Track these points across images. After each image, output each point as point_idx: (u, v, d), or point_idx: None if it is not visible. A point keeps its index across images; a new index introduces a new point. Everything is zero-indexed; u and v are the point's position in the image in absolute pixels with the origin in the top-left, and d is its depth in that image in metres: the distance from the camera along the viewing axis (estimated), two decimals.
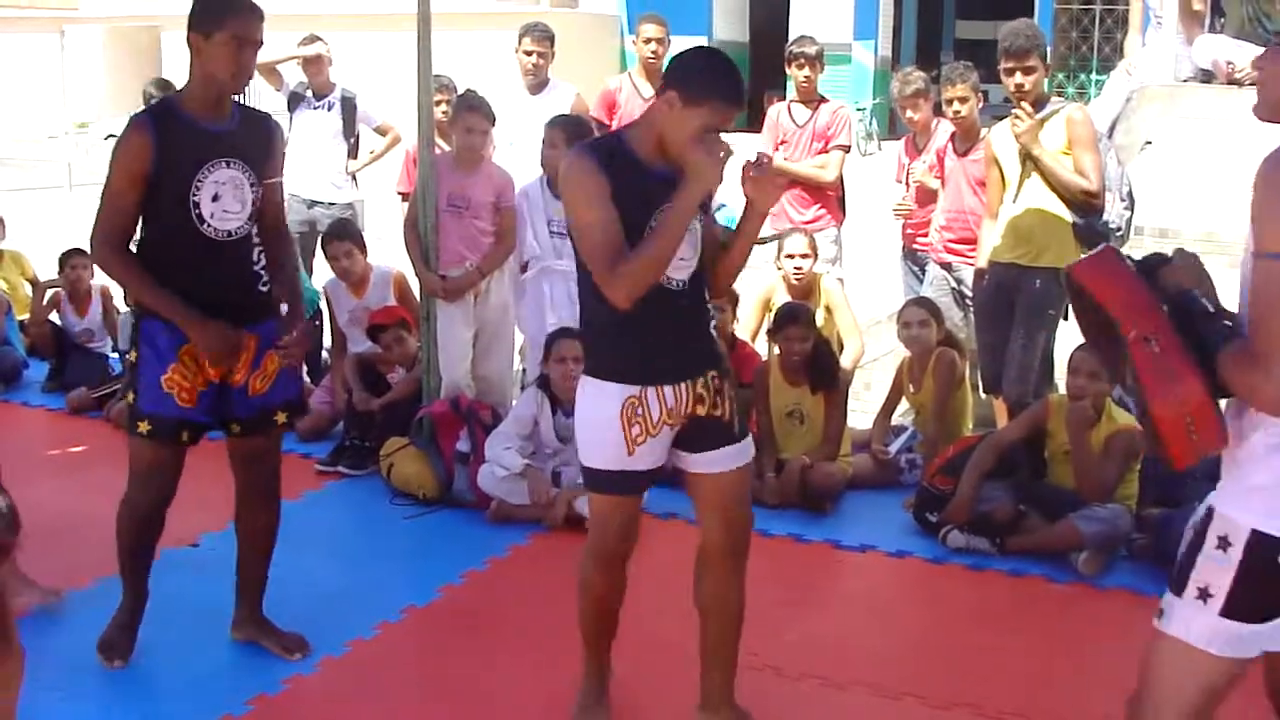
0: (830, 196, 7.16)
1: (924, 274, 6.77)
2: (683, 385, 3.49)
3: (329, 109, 8.21)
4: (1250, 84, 8.31)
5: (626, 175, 3.35)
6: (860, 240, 8.41)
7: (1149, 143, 8.71)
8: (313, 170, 8.21)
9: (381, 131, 8.47)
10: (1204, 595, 2.52)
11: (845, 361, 6.44)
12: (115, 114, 23.50)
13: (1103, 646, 4.37)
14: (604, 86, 7.61)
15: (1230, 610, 2.49)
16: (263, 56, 4.20)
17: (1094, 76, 17.63)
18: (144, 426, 3.96)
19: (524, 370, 6.80)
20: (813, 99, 7.24)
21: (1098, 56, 20.45)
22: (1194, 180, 8.10)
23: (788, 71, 7.24)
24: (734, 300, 6.37)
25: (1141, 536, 5.13)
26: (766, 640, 4.43)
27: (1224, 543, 2.49)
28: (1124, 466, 5.12)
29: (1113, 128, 8.59)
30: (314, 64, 8.06)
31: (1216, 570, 2.50)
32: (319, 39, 8.22)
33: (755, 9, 25.54)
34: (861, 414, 6.70)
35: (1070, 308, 2.76)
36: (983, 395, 6.35)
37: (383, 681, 4.12)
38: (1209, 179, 8.04)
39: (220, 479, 5.12)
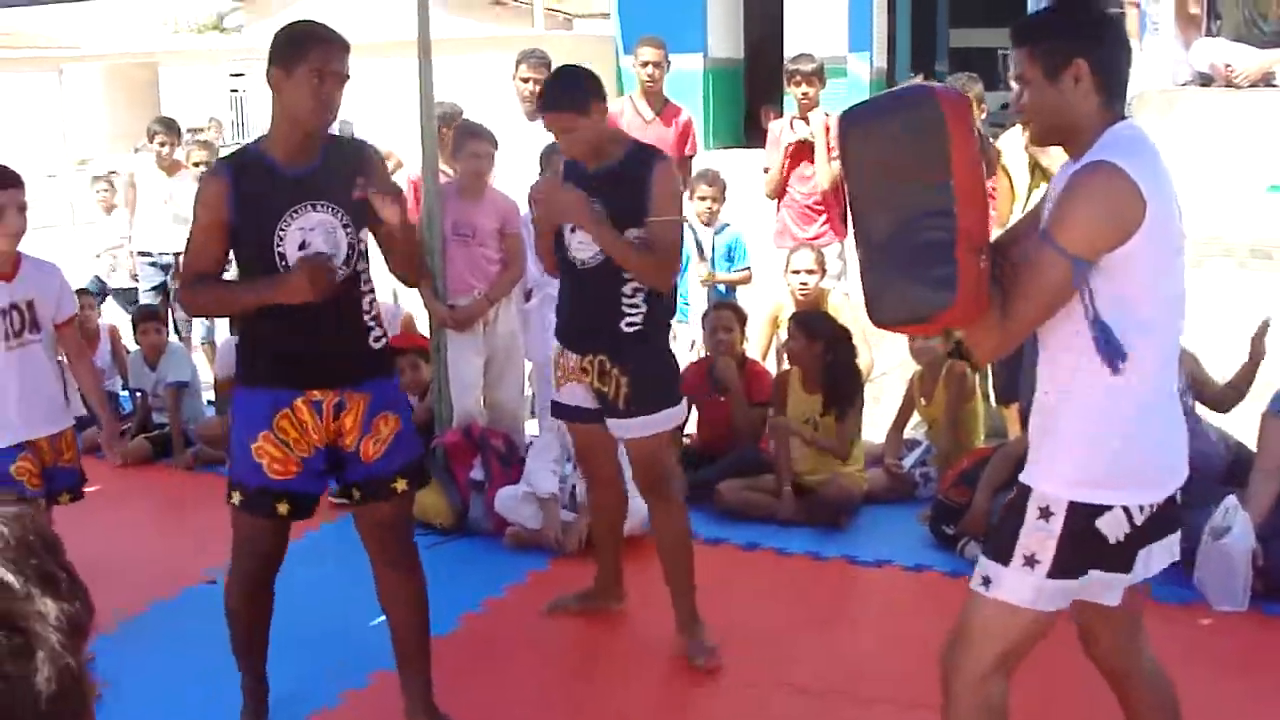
0: (834, 211, 7.17)
1: None
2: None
3: None
4: (1249, 86, 8.34)
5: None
6: None
7: None
8: None
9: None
10: (1030, 562, 2.76)
11: None
12: (114, 151, 23.61)
13: None
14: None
15: (1056, 571, 2.75)
16: None
17: None
18: (236, 497, 3.72)
19: (534, 396, 6.80)
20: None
21: None
22: (1195, 183, 8.12)
23: (787, 89, 7.27)
24: (742, 319, 6.38)
25: None
26: (788, 658, 4.44)
27: (1045, 513, 2.75)
28: None
29: None
30: None
31: (1041, 539, 2.75)
32: None
33: (750, 26, 25.60)
34: (873, 428, 6.70)
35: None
36: (995, 405, 6.35)
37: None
38: (1209, 182, 8.05)
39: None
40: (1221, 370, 5.89)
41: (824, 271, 6.60)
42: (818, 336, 5.95)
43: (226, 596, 3.84)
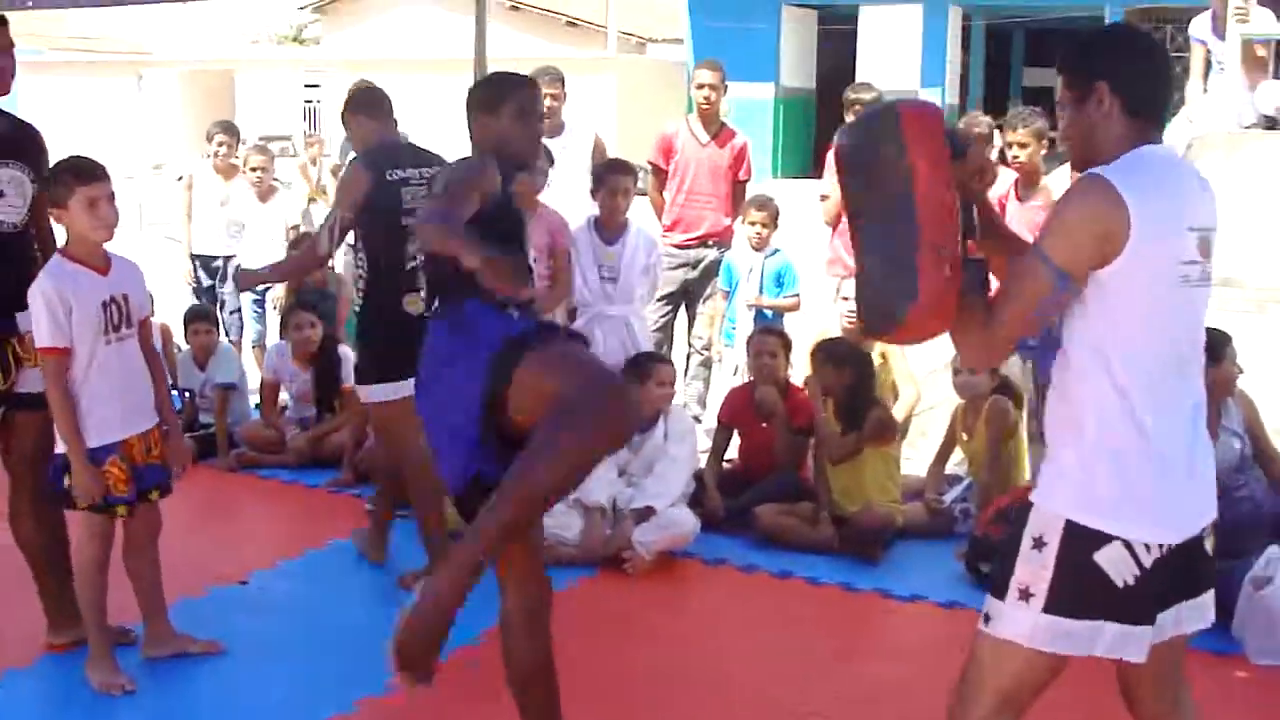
0: None
1: None
2: None
3: None
4: None
5: None
6: None
7: None
8: None
9: None
10: (1025, 595, 2.68)
11: (900, 409, 6.39)
12: (190, 156, 23.96)
13: None
14: (661, 131, 7.67)
15: (1052, 606, 2.66)
16: None
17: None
18: None
19: None
20: None
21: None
22: (1258, 228, 7.98)
23: (847, 118, 7.24)
24: (787, 345, 6.34)
25: None
26: (815, 689, 4.39)
27: (1039, 543, 2.68)
28: None
29: None
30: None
31: (1035, 570, 2.68)
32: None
33: (822, 57, 25.60)
34: (917, 462, 6.64)
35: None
36: (1036, 444, 6.26)
37: None
38: (1272, 226, 7.92)
39: (270, 517, 5.17)
40: (1277, 417, 5.78)
41: None
42: (845, 363, 5.94)
43: None
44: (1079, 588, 2.65)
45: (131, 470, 4.12)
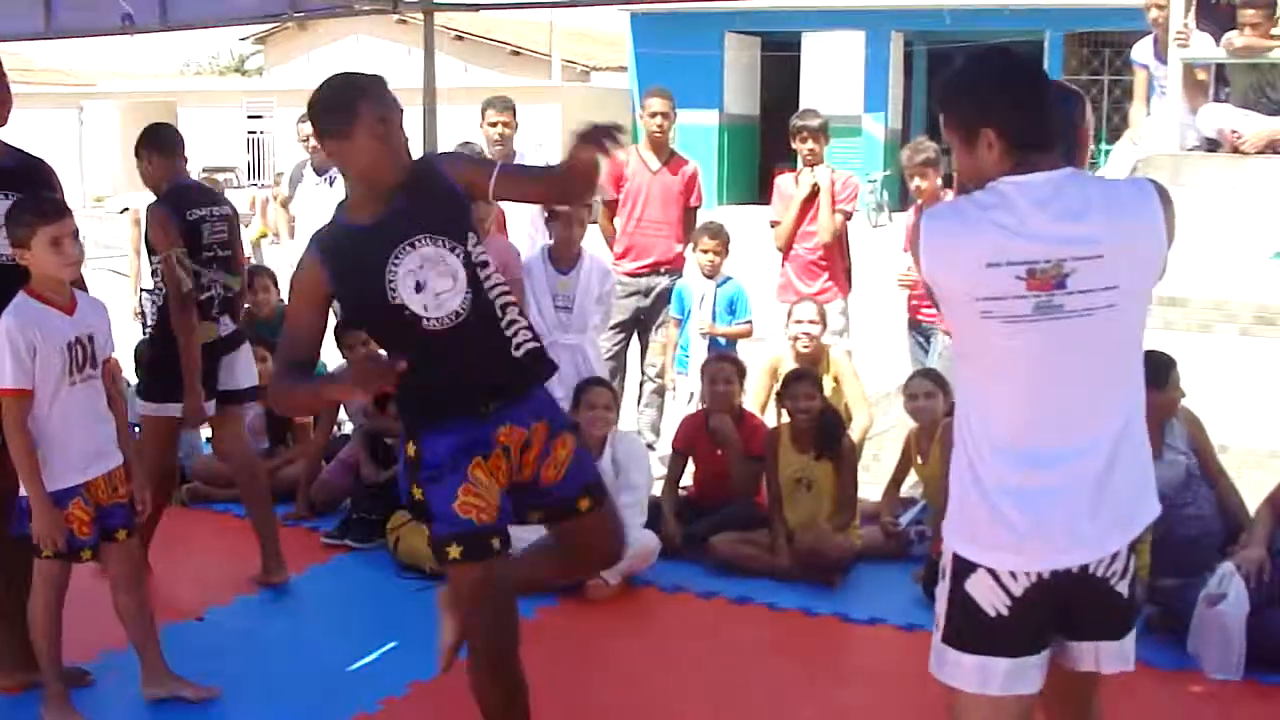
0: (838, 267, 7.17)
1: (930, 345, 6.76)
2: None
3: (330, 183, 8.27)
4: (1256, 153, 8.34)
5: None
6: (868, 312, 8.42)
7: None
8: None
9: None
10: (937, 624, 2.76)
11: (854, 433, 6.40)
12: (131, 188, 23.77)
13: (1116, 717, 4.30)
14: (611, 159, 7.66)
15: (947, 635, 2.72)
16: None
17: (1104, 146, 17.71)
18: (455, 551, 3.37)
19: None
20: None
21: (1107, 126, 20.52)
22: (1200, 248, 8.10)
23: (793, 145, 7.29)
24: (741, 371, 6.36)
25: (1155, 608, 5.07)
26: (776, 715, 4.39)
27: (944, 572, 2.75)
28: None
29: None
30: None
31: (942, 598, 2.75)
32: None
33: (766, 84, 25.76)
34: (871, 485, 6.66)
35: None
36: None
37: None
38: (1215, 247, 8.04)
39: (224, 552, 5.09)
40: (1222, 435, 5.86)
41: (825, 326, 6.58)
42: (820, 391, 5.96)
43: (476, 690, 3.49)
44: (960, 618, 2.71)
45: (97, 511, 4.07)
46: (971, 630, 2.69)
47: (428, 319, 3.33)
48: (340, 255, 3.38)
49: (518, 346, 3.47)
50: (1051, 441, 2.66)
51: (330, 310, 3.50)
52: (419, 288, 3.32)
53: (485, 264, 3.45)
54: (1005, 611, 2.66)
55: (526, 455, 3.49)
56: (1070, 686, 2.86)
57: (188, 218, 5.26)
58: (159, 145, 5.42)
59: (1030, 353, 2.64)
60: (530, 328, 3.56)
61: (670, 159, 7.46)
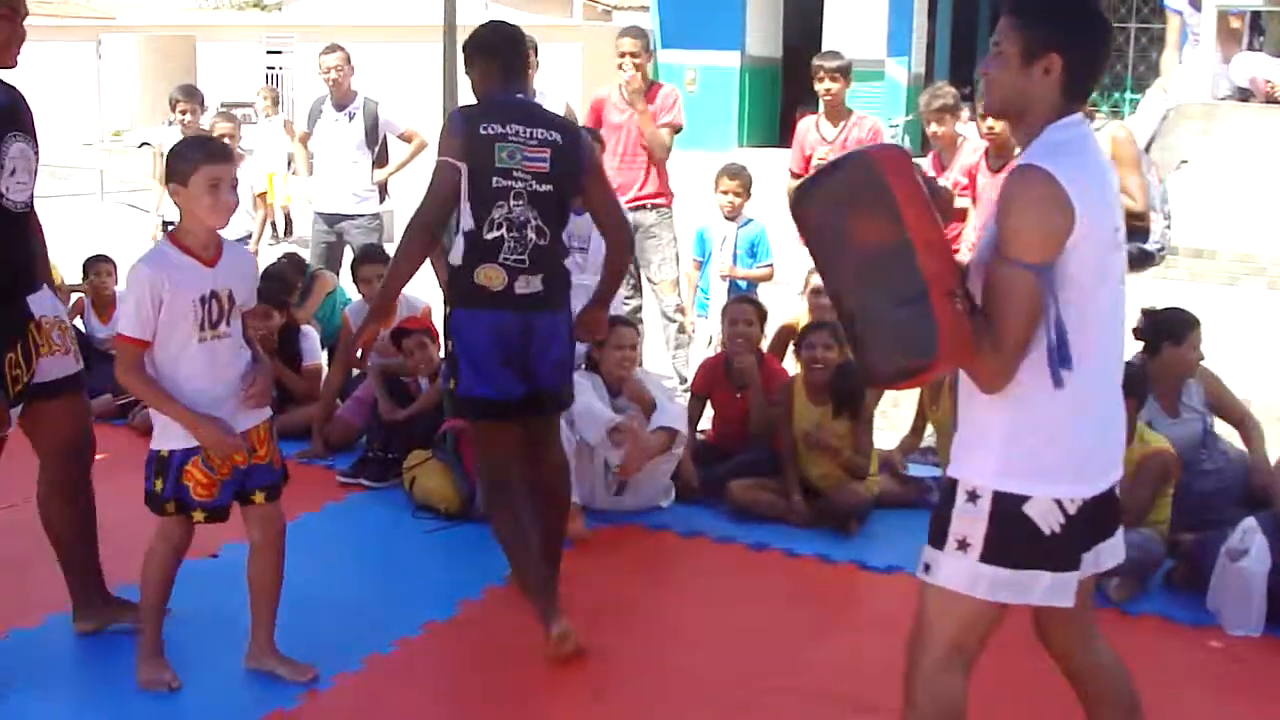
0: None
1: None
2: None
3: (350, 119, 8.20)
4: None
5: None
6: None
7: (1185, 161, 8.61)
8: (335, 182, 8.21)
9: (406, 138, 8.42)
10: (963, 546, 2.79)
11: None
12: (150, 122, 23.68)
13: (1133, 672, 4.27)
14: (595, 95, 7.80)
15: (989, 556, 2.77)
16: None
17: (1128, 95, 17.52)
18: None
19: None
20: (840, 114, 7.19)
21: (1132, 75, 20.30)
22: (1231, 200, 7.99)
23: (814, 86, 7.19)
24: (762, 314, 6.28)
25: (1175, 561, 5.04)
26: (792, 661, 4.37)
27: (972, 496, 2.79)
28: (1157, 490, 5.02)
29: (1149, 146, 8.48)
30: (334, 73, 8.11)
31: (971, 521, 2.78)
32: (339, 48, 8.24)
33: (789, 26, 25.49)
34: (889, 431, 6.62)
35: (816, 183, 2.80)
36: None
37: (400, 698, 4.07)
38: (1246, 198, 7.95)
39: None
40: (1245, 389, 5.80)
41: None
42: (840, 343, 5.88)
43: (496, 522, 4.49)
44: (1013, 539, 2.77)
45: (233, 472, 3.92)
46: (1024, 549, 2.77)
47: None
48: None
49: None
50: (1110, 375, 2.85)
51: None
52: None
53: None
54: (1059, 530, 2.76)
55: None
56: (1076, 600, 2.92)
57: None
58: None
59: (1116, 291, 2.80)
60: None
61: (649, 89, 7.44)
